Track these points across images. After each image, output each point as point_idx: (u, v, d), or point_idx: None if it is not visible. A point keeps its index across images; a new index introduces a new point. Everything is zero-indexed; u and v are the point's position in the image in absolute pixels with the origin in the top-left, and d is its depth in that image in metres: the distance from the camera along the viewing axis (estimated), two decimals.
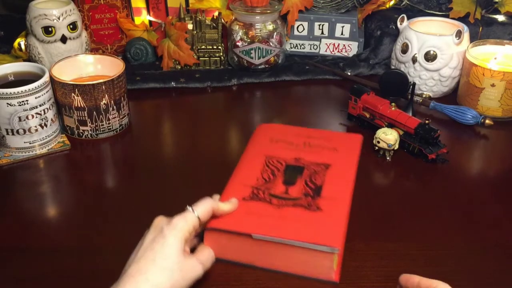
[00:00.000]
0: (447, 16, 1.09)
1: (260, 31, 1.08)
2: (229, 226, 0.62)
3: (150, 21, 1.16)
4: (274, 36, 1.09)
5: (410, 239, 0.68)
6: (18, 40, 1.09)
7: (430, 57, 0.98)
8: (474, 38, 1.06)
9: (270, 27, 1.09)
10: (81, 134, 0.89)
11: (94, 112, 0.87)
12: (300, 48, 1.19)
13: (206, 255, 0.61)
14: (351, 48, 1.17)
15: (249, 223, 0.62)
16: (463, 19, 1.08)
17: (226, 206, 0.64)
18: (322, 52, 1.18)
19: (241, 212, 0.64)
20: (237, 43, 1.09)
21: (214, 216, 0.62)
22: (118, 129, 0.91)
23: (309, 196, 0.66)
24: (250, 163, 0.74)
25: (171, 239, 0.56)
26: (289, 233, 0.61)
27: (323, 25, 1.16)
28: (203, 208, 0.61)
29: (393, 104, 0.88)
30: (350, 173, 0.72)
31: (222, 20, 1.11)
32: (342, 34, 1.16)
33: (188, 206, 0.61)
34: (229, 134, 0.96)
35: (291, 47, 1.19)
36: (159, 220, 0.59)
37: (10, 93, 0.79)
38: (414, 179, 0.82)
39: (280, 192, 0.67)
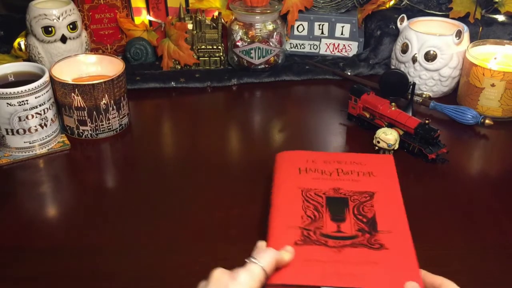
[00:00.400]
0: (447, 16, 1.09)
1: (260, 31, 1.08)
2: (293, 279, 0.54)
3: (150, 21, 1.16)
4: (274, 36, 1.09)
5: None
6: (18, 40, 1.08)
7: (430, 57, 0.98)
8: (474, 38, 1.06)
9: (270, 27, 1.09)
10: (81, 134, 0.89)
11: (94, 112, 0.87)
12: (300, 48, 1.19)
13: None
14: (351, 48, 1.17)
15: (313, 272, 0.55)
16: (463, 19, 1.08)
17: (287, 255, 0.55)
18: (322, 52, 1.18)
19: (298, 260, 0.56)
20: (237, 43, 1.09)
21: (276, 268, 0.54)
22: (118, 129, 0.91)
23: (366, 233, 0.60)
24: (286, 200, 0.66)
25: None
26: (364, 280, 0.54)
27: (323, 25, 1.16)
28: (268, 259, 0.52)
29: (393, 104, 0.88)
30: (398, 199, 0.66)
31: (222, 20, 1.11)
32: (342, 34, 1.16)
33: (250, 258, 0.53)
34: (229, 134, 0.96)
35: (291, 47, 1.19)
36: (220, 274, 0.50)
37: (10, 93, 0.79)
38: (414, 179, 0.82)
39: (332, 231, 0.60)
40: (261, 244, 0.57)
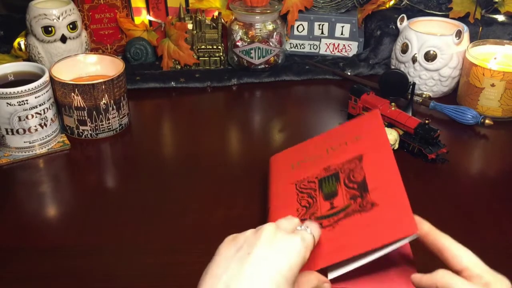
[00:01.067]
0: (447, 16, 1.09)
1: (260, 31, 1.08)
2: None
3: (150, 21, 1.16)
4: (274, 36, 1.09)
5: None
6: (18, 40, 1.09)
7: (430, 57, 0.98)
8: (474, 38, 1.06)
9: (270, 27, 1.09)
10: (81, 134, 0.89)
11: (94, 112, 0.87)
12: (300, 48, 1.19)
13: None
14: (351, 48, 1.17)
15: (310, 258, 0.52)
16: (463, 19, 1.08)
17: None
18: (322, 52, 1.18)
19: None
20: (237, 43, 1.09)
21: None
22: (118, 129, 0.91)
23: (358, 197, 0.57)
24: (282, 199, 0.65)
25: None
26: (357, 246, 0.52)
27: (323, 25, 1.16)
28: (316, 228, 0.52)
29: (393, 104, 0.88)
30: (386, 151, 0.61)
31: (222, 20, 1.11)
32: (342, 34, 1.16)
33: (302, 226, 0.51)
34: (229, 134, 0.96)
35: (291, 47, 1.19)
36: (273, 232, 0.48)
37: (10, 92, 0.79)
38: (414, 179, 0.82)
39: (326, 210, 0.59)
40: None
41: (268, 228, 0.47)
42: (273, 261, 0.45)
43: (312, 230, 0.50)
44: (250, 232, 0.49)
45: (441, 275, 0.48)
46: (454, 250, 0.49)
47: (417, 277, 0.50)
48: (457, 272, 0.49)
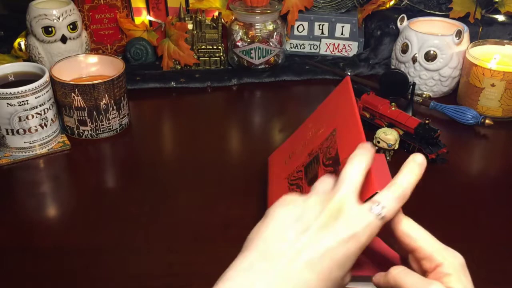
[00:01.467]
0: (447, 16, 1.09)
1: (260, 31, 1.08)
2: None
3: (150, 21, 1.16)
4: (274, 36, 1.09)
5: None
6: (18, 40, 1.09)
7: (430, 57, 0.98)
8: (474, 38, 1.06)
9: (270, 27, 1.09)
10: (81, 134, 0.89)
11: (94, 112, 0.87)
12: (300, 48, 1.19)
13: None
14: (351, 48, 1.17)
15: None
16: (463, 19, 1.08)
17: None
18: (322, 52, 1.18)
19: None
20: (237, 43, 1.09)
21: None
22: (118, 129, 0.91)
23: (332, 173, 0.54)
24: (277, 196, 0.62)
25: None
26: None
27: (323, 25, 1.16)
28: (394, 205, 0.45)
29: (393, 104, 0.88)
30: (353, 116, 0.58)
31: (222, 20, 1.11)
32: (342, 34, 1.16)
33: (374, 203, 0.44)
34: (229, 134, 0.96)
35: (291, 47, 1.19)
36: (351, 208, 0.43)
37: (10, 93, 0.79)
38: None
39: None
40: (366, 147, 0.48)
41: (332, 207, 0.43)
42: (330, 248, 0.42)
43: (387, 208, 0.44)
44: (313, 201, 0.45)
45: (392, 274, 0.47)
46: (405, 228, 0.47)
47: (377, 277, 0.49)
48: (409, 252, 0.48)
